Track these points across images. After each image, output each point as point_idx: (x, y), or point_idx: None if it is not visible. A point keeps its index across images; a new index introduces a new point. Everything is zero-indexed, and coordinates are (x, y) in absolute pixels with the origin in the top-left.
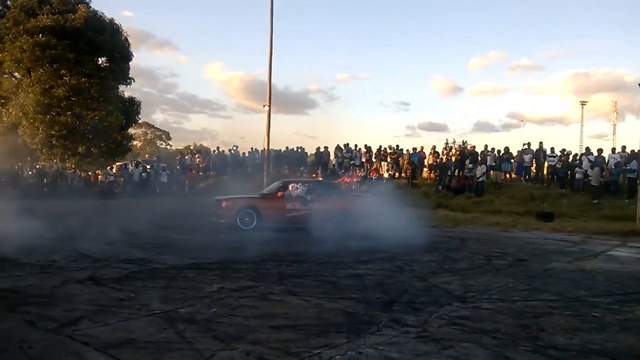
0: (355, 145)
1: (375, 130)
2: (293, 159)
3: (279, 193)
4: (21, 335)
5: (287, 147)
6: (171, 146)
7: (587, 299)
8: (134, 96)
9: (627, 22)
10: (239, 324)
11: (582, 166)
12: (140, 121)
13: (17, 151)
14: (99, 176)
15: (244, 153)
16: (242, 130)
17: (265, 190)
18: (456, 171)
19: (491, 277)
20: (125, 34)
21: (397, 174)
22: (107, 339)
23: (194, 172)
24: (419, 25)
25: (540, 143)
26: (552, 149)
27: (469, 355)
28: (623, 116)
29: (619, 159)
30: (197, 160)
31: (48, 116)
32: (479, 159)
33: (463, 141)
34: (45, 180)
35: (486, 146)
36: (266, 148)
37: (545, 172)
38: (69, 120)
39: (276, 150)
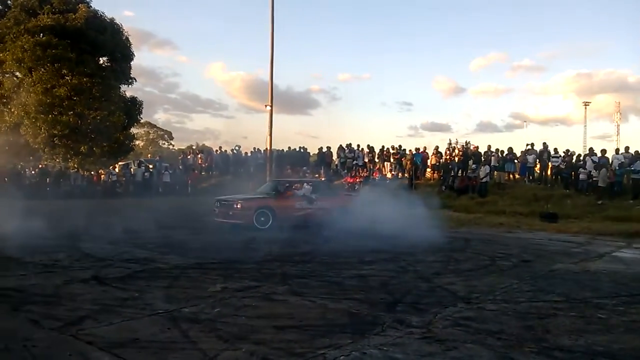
0: (358, 146)
1: (377, 130)
2: (295, 159)
3: (288, 192)
4: (25, 334)
5: (289, 147)
6: (174, 146)
7: (592, 301)
8: (135, 96)
9: (630, 22)
10: (243, 324)
11: (586, 167)
12: (142, 121)
13: (19, 151)
14: (102, 176)
15: (246, 153)
16: (244, 130)
17: (258, 190)
18: (459, 172)
19: (495, 278)
20: (126, 33)
21: (400, 175)
22: (111, 339)
23: (196, 171)
24: (421, 26)
25: (544, 143)
26: (556, 150)
27: (473, 356)
28: (626, 117)
29: (622, 160)
30: (200, 160)
31: (50, 116)
32: (482, 159)
33: (466, 141)
34: (47, 179)
35: (489, 147)
36: (268, 148)
37: (549, 172)
38: (71, 119)
39: (279, 150)
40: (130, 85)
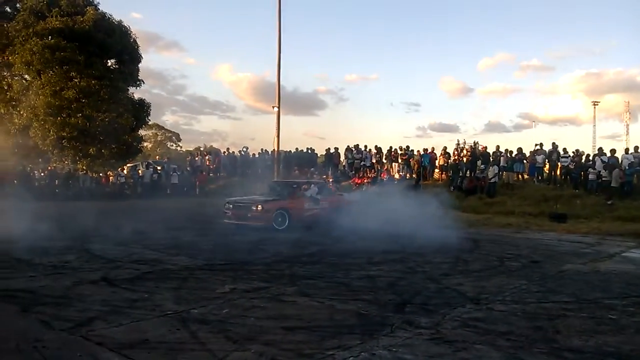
0: (366, 146)
1: (385, 131)
2: (303, 160)
3: (301, 190)
4: (36, 335)
5: (297, 148)
6: (181, 147)
7: (602, 301)
8: (143, 98)
9: (639, 21)
10: (252, 325)
11: (596, 167)
12: (150, 123)
13: (28, 153)
14: (110, 177)
15: (254, 154)
16: (252, 132)
17: (258, 193)
18: (468, 172)
19: (504, 278)
20: (134, 35)
21: (408, 175)
22: (121, 340)
23: (204, 173)
24: (428, 27)
25: (554, 143)
26: (565, 150)
27: (482, 357)
28: (636, 116)
29: (632, 160)
30: (208, 161)
31: (59, 118)
32: (491, 159)
33: (474, 142)
34: (56, 181)
35: (498, 147)
36: (276, 149)
37: (558, 172)
38: (79, 122)
39: (286, 151)
40: (138, 88)
